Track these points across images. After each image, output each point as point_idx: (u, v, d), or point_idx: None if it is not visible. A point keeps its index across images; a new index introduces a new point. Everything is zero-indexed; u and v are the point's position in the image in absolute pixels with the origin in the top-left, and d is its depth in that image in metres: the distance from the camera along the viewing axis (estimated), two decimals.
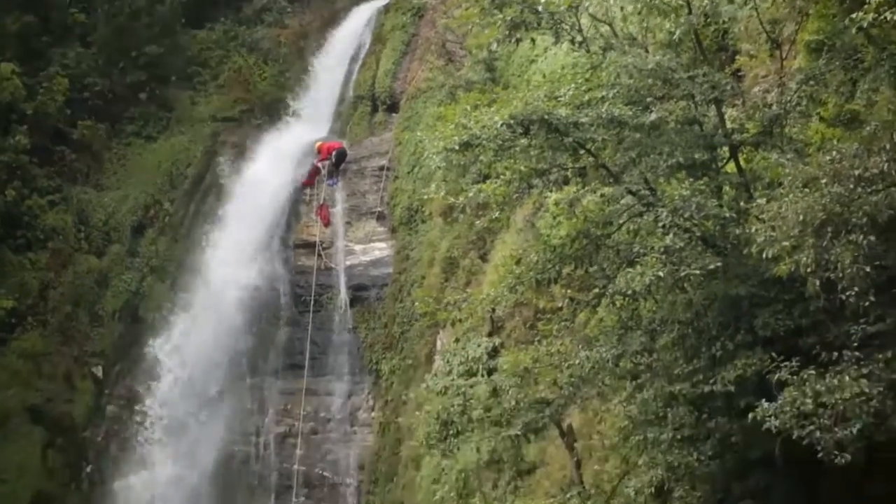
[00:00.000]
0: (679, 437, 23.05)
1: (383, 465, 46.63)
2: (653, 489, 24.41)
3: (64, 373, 55.14)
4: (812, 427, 19.37)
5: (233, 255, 54.89)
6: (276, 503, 51.70)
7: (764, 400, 20.29)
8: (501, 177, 24.96)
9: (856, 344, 20.05)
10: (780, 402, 19.89)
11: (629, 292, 23.00)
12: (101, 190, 59.41)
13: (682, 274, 22.27)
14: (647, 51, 25.49)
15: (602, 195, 23.98)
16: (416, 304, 43.02)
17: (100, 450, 54.15)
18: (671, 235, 22.45)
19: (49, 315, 55.84)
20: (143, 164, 60.30)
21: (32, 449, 52.96)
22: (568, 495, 27.49)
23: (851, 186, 19.80)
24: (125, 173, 60.28)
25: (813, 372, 19.93)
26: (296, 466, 51.00)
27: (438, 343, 44.04)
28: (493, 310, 36.95)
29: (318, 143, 55.41)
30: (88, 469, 54.27)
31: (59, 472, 53.42)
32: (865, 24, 21.10)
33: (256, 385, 53.61)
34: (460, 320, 38.38)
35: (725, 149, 24.30)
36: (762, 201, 21.43)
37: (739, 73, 30.88)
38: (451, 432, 34.03)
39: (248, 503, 52.34)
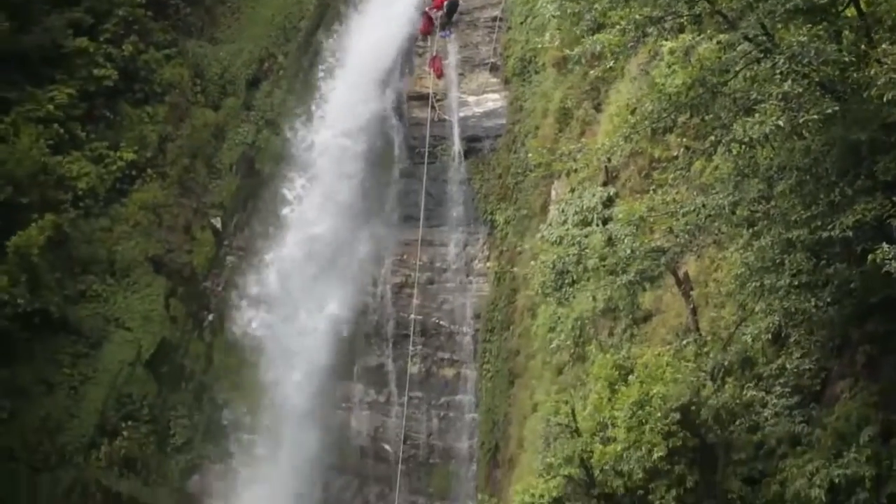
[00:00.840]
0: (797, 283, 23.22)
1: (499, 314, 47.41)
2: (769, 335, 24.74)
3: (184, 224, 56.69)
4: None
5: (346, 108, 55.51)
6: (393, 351, 52.97)
7: (884, 243, 20.26)
8: (616, 26, 24.86)
9: None
10: None
11: (746, 140, 23.00)
12: (216, 44, 60.00)
13: (801, 120, 22.18)
14: None
15: (718, 42, 23.79)
16: (530, 154, 43.14)
17: (220, 299, 55.79)
18: (789, 82, 22.27)
19: (168, 167, 57.17)
20: (257, 17, 60.68)
21: (155, 298, 54.74)
22: (684, 342, 27.89)
23: None
24: (239, 27, 60.74)
25: None
26: (412, 315, 52.08)
27: (553, 193, 44.31)
28: (608, 159, 37.01)
29: None
30: (210, 318, 56.07)
31: (182, 321, 55.27)
32: None
33: (373, 236, 54.53)
34: (575, 170, 38.68)
35: None
36: (886, 45, 21.15)
37: None
38: (566, 281, 34.59)
39: (366, 351, 53.68)
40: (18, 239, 49.93)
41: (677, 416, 25.17)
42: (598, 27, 26.25)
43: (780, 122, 21.98)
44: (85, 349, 52.78)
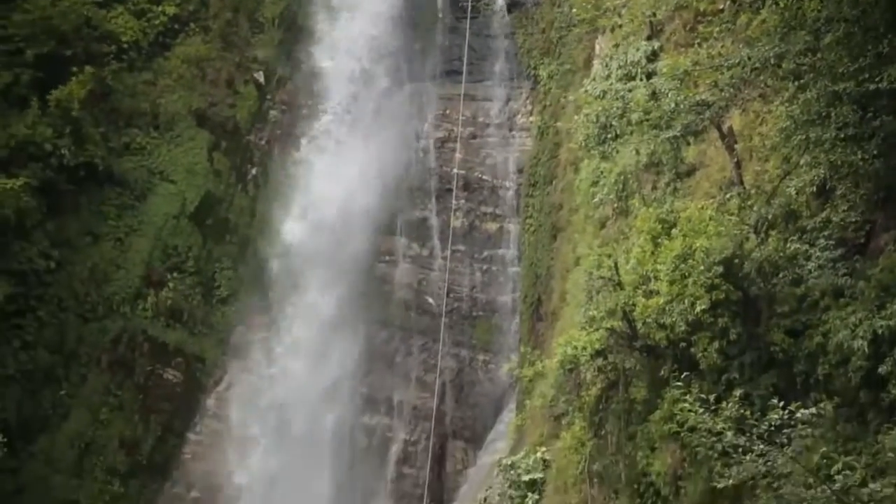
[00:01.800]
0: (842, 135, 23.11)
1: (542, 168, 47.45)
2: (814, 188, 24.70)
3: (226, 78, 56.77)
4: None
5: None
6: (436, 205, 53.25)
7: None
8: None
9: None
10: None
11: None
12: None
13: None
14: None
15: None
16: (575, 9, 42.80)
17: (263, 153, 56.08)
18: None
19: (210, 21, 57.10)
20: None
21: (199, 152, 55.12)
22: (728, 196, 27.87)
23: None
24: None
25: None
26: (455, 170, 52.24)
27: (597, 48, 43.94)
28: (653, 14, 36.76)
29: None
30: (253, 171, 56.46)
31: (226, 175, 55.72)
32: None
33: (415, 91, 54.42)
34: (619, 25, 38.34)
35: None
36: None
37: None
38: (609, 135, 34.55)
39: (409, 204, 53.95)
40: (59, 93, 50.24)
41: (720, 269, 25.30)
42: None
43: None
44: (130, 201, 53.38)
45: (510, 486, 35.85)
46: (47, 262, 50.78)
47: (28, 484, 49.81)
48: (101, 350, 51.63)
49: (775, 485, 21.36)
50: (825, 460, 21.32)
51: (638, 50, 38.48)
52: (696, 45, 31.75)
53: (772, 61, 24.27)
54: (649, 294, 27.37)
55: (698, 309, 25.30)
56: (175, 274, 53.50)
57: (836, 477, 20.67)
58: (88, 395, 50.76)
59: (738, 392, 23.65)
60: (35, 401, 49.97)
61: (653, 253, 28.03)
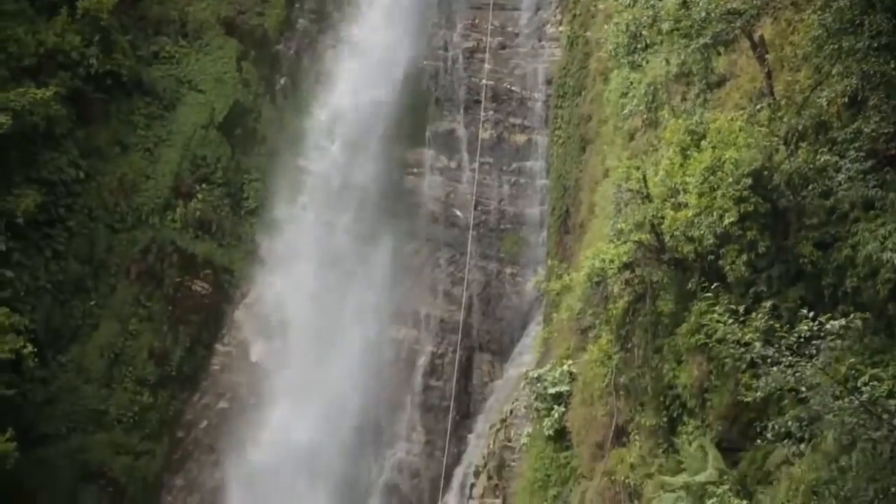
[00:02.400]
0: (876, 44, 22.65)
1: (571, 79, 46.97)
2: (845, 99, 24.29)
3: None
4: None
5: None
6: (464, 117, 52.93)
7: None
8: None
9: None
10: None
11: None
12: None
13: None
14: None
15: None
16: None
17: (292, 63, 55.75)
18: None
19: None
20: None
21: (227, 61, 54.92)
22: (758, 107, 27.47)
23: None
24: None
25: None
26: (484, 81, 51.85)
27: None
28: None
29: None
30: (282, 82, 56.19)
31: (254, 85, 55.50)
32: None
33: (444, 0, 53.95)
34: None
35: None
36: None
37: None
38: (639, 45, 34.05)
39: (438, 116, 53.66)
40: (88, 0, 49.99)
41: (749, 181, 25.06)
42: None
43: None
44: (159, 111, 53.34)
45: (536, 399, 36.11)
46: (77, 171, 50.93)
47: (58, 394, 50.43)
48: (130, 261, 51.95)
49: (802, 396, 21.34)
50: (853, 372, 21.32)
51: None
52: None
53: None
54: (678, 207, 27.15)
55: (727, 221, 25.11)
56: (203, 185, 53.57)
57: (864, 388, 20.64)
58: (118, 306, 51.20)
59: (766, 305, 23.53)
60: (65, 311, 50.42)
61: (682, 165, 27.78)
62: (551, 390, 35.27)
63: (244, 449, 50.15)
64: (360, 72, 53.59)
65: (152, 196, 52.36)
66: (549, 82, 49.89)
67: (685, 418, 27.67)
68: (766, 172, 25.17)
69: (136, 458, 51.13)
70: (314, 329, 50.50)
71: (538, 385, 35.91)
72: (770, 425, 22.37)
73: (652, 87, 34.58)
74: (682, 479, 26.41)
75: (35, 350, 47.38)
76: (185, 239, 52.49)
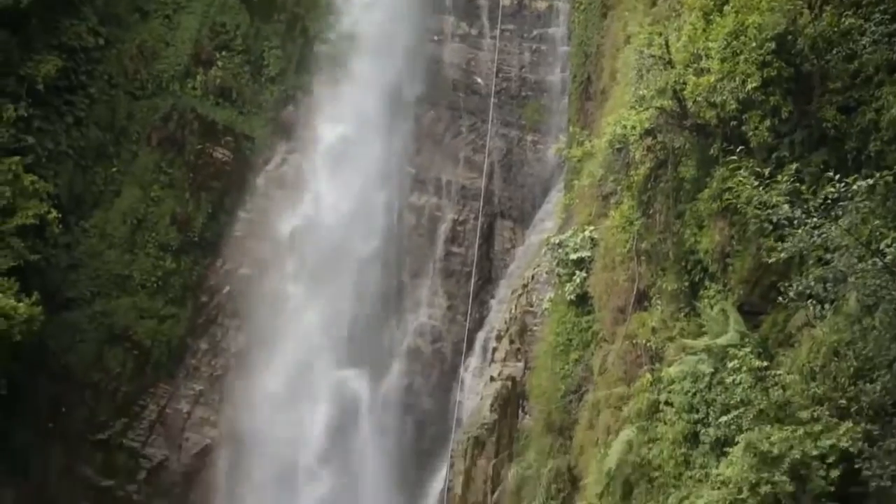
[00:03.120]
0: None
1: None
2: None
3: None
4: None
5: None
6: None
7: None
8: None
9: None
10: None
11: None
12: None
13: None
14: None
15: None
16: None
17: None
18: None
19: None
20: None
21: None
22: None
23: None
24: None
25: None
26: None
27: None
28: None
29: None
30: None
31: None
32: None
33: None
34: None
35: None
36: None
37: None
38: None
39: None
40: None
41: (773, 45, 24.87)
42: None
43: None
44: None
45: (558, 265, 36.24)
46: (96, 38, 50.80)
47: (82, 259, 51.08)
48: (151, 127, 52.10)
49: (826, 258, 21.50)
50: (876, 234, 21.34)
51: None
52: None
53: None
54: (700, 72, 26.99)
55: (749, 87, 25.01)
56: (223, 52, 53.37)
57: (887, 250, 20.76)
58: (139, 172, 51.50)
59: (789, 169, 23.54)
60: (87, 177, 50.73)
61: (704, 30, 27.55)
62: (573, 256, 35.34)
63: (268, 314, 50.61)
64: None
65: (172, 63, 52.24)
66: None
67: (706, 283, 27.85)
68: (789, 36, 24.97)
69: (160, 322, 52.02)
70: (335, 196, 50.64)
71: (560, 251, 35.97)
72: (793, 285, 22.50)
73: None
74: (703, 342, 26.69)
75: (59, 215, 47.85)
76: (206, 106, 52.48)
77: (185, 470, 52.17)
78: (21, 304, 45.05)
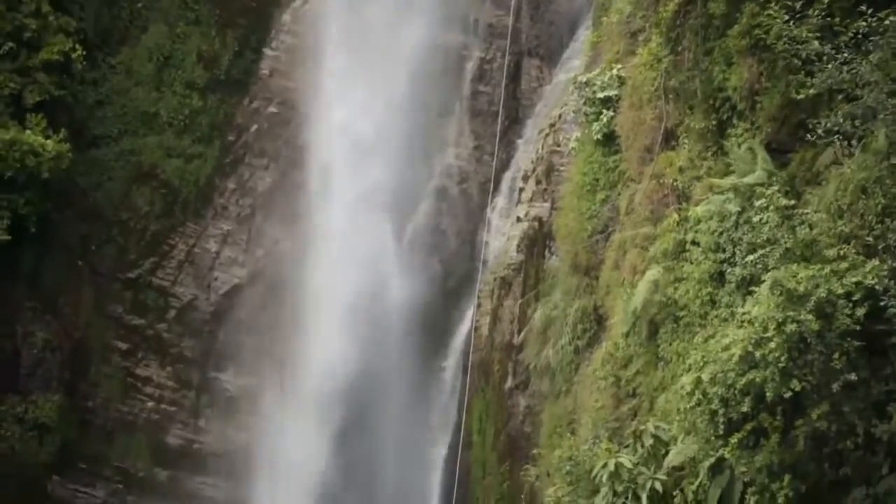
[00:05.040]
0: None
1: None
2: None
3: None
4: None
5: None
6: None
7: None
8: None
9: None
10: None
11: None
12: None
13: None
14: None
15: None
16: None
17: None
18: None
19: None
20: None
21: None
22: None
23: None
24: None
25: None
26: None
27: None
28: None
29: None
30: None
31: None
32: None
33: None
34: None
35: None
36: None
37: None
38: None
39: None
40: None
41: None
42: None
43: None
44: None
45: (585, 103, 35.74)
46: None
47: (109, 96, 51.10)
48: None
49: (855, 94, 21.19)
50: None
51: None
52: None
53: None
54: None
55: None
56: None
57: None
58: (165, 8, 51.21)
59: (821, 3, 23.09)
60: (113, 12, 50.59)
61: None
62: (600, 94, 34.81)
63: (298, 152, 50.75)
64: None
65: None
66: None
67: (734, 121, 27.63)
68: None
69: (187, 160, 52.24)
70: (359, 35, 49.90)
71: (587, 89, 35.43)
72: (821, 122, 22.29)
73: None
74: (730, 181, 26.62)
75: (84, 52, 47.63)
76: None
77: (214, 309, 52.73)
78: (49, 141, 45.25)
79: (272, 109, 51.54)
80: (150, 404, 52.32)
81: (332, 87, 49.64)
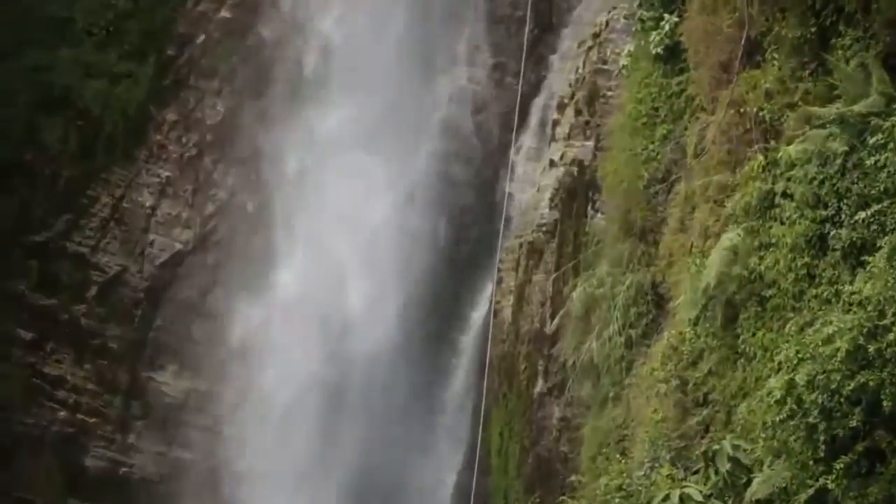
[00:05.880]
0: None
1: None
2: None
3: None
4: None
5: None
6: None
7: None
8: None
9: None
10: None
11: None
12: None
13: None
14: None
15: None
16: None
17: None
18: None
19: None
20: None
21: None
22: None
23: None
24: None
25: None
26: None
27: None
28: None
29: None
30: None
31: None
32: None
33: None
34: None
35: None
36: None
37: None
38: None
39: None
40: None
41: None
42: None
43: None
44: None
45: (640, 5, 36.22)
46: None
47: None
48: None
49: None
50: None
51: None
52: None
53: None
54: None
55: None
56: None
57: None
58: None
59: None
60: None
61: None
62: None
63: (258, 71, 50.90)
64: None
65: None
66: None
67: (841, 27, 27.69)
68: None
69: (112, 82, 52.74)
70: None
71: None
72: None
73: None
74: (835, 108, 26.72)
75: None
76: None
77: (149, 285, 52.95)
78: None
79: (224, 14, 51.47)
80: (63, 414, 52.23)
81: None
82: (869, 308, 23.27)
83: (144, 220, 52.66)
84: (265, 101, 50.79)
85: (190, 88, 52.48)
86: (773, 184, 28.35)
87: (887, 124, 24.82)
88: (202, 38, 51.93)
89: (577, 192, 39.84)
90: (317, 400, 48.38)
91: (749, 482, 26.41)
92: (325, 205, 48.30)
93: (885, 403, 22.85)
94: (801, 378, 24.30)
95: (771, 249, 28.10)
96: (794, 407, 24.42)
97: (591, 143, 39.35)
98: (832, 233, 26.55)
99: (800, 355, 24.70)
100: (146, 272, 52.51)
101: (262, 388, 50.38)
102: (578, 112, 40.41)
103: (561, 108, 41.77)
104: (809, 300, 26.86)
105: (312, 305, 48.76)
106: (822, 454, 24.14)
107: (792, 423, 24.54)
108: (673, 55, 34.78)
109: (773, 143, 29.11)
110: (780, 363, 25.65)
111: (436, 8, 47.75)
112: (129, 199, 52.71)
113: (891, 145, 24.60)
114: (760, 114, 29.78)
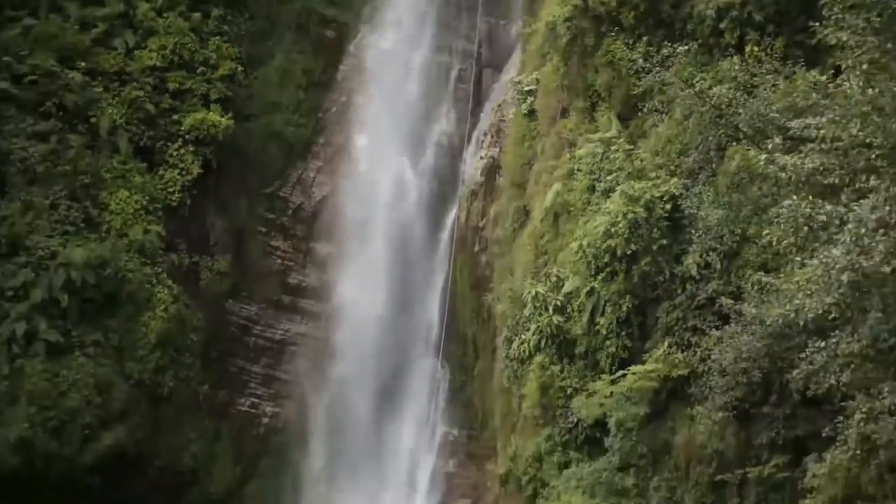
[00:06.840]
0: None
1: None
2: None
3: None
4: None
5: None
6: None
7: None
8: None
9: None
10: None
11: None
12: None
13: None
14: None
15: None
16: None
17: None
18: None
19: None
20: None
21: None
22: None
23: None
24: None
25: None
26: None
27: None
28: None
29: None
30: None
31: None
32: None
33: None
34: None
35: None
36: None
37: None
38: None
39: None
40: None
41: None
42: None
43: None
44: None
45: (518, 94, 34.97)
46: None
47: (253, 93, 41.36)
48: None
49: (663, 89, 21.56)
50: (692, 77, 21.31)
51: None
52: None
53: None
54: None
55: None
56: None
57: (696, 84, 20.53)
58: (285, 45, 43.00)
59: (642, 40, 23.27)
60: (258, 47, 41.65)
61: None
62: (526, 88, 34.17)
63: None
64: None
65: None
66: None
67: (600, 103, 27.43)
68: None
69: (296, 127, 41.12)
70: (379, 73, 42.52)
71: (519, 86, 34.94)
72: (647, 104, 22.75)
73: None
74: (598, 135, 26.61)
75: (242, 69, 41.21)
76: None
77: None
78: (222, 119, 39.71)
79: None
80: None
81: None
82: (611, 214, 23.14)
83: None
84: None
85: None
86: (574, 165, 27.81)
87: (618, 141, 24.95)
88: (334, 108, 43.90)
89: (492, 170, 38.14)
90: None
91: (563, 285, 25.93)
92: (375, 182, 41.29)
93: (618, 252, 22.66)
94: (584, 242, 24.53)
95: (572, 191, 27.40)
96: (582, 254, 24.56)
97: (498, 149, 37.75)
98: (597, 185, 25.92)
99: (584, 233, 24.61)
100: None
101: None
102: (493, 136, 38.81)
103: (485, 134, 39.76)
104: (588, 212, 25.88)
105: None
106: (593, 272, 24.33)
107: (581, 260, 24.67)
108: (531, 114, 33.71)
109: (573, 149, 28.58)
110: (576, 237, 25.46)
111: (432, 97, 43.07)
112: None
113: (619, 150, 24.56)
114: (568, 137, 29.35)
